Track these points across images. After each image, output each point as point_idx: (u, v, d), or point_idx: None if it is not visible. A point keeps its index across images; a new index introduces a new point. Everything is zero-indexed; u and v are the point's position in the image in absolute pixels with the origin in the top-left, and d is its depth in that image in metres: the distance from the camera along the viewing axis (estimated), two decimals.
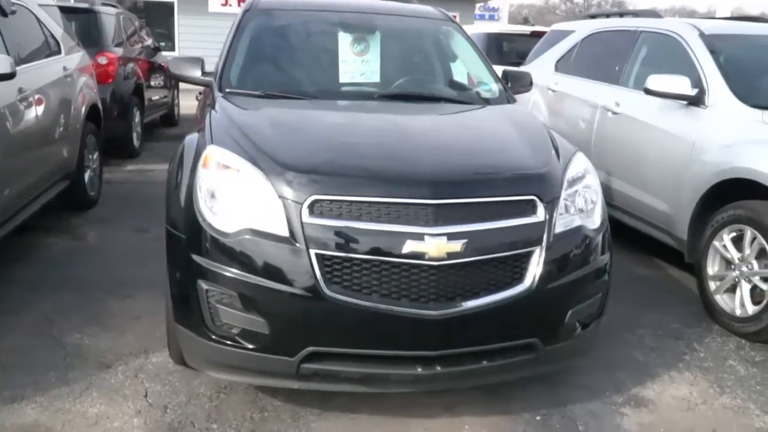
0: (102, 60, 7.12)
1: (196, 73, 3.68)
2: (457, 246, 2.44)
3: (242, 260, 2.49)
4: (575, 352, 2.90)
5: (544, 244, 2.60)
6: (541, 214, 2.63)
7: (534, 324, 2.63)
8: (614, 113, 5.02)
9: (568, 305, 2.68)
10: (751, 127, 3.84)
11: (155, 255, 4.62)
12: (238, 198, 2.55)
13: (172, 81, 10.19)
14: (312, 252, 2.42)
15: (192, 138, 3.04)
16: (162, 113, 9.74)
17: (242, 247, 2.49)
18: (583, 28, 5.98)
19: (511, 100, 3.71)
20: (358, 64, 3.89)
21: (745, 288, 3.69)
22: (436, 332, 2.45)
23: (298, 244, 2.43)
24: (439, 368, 2.53)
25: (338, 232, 2.43)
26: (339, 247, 2.43)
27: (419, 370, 2.52)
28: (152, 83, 8.89)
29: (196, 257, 2.57)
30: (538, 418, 2.88)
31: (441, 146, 2.87)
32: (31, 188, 4.47)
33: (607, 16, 6.03)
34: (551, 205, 2.66)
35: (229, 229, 2.52)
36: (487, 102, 3.65)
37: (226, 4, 16.76)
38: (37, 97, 4.50)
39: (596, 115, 5.24)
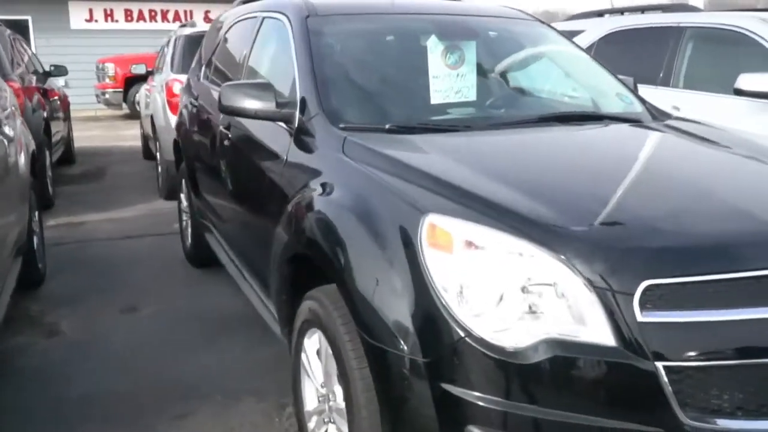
0: None
1: (269, 105, 2.68)
2: None
3: (551, 390, 1.63)
4: None
5: None
6: None
7: None
8: None
9: None
10: None
11: (170, 344, 3.55)
12: (517, 293, 1.68)
13: (66, 112, 8.64)
14: (659, 365, 1.61)
15: (346, 202, 2.09)
16: (62, 150, 8.18)
17: (549, 370, 1.62)
18: (597, 27, 5.49)
19: (660, 115, 3.04)
20: (452, 79, 3.06)
21: None
22: None
23: (634, 356, 1.61)
24: None
25: (691, 330, 1.64)
26: (696, 351, 1.63)
27: None
28: (51, 115, 7.38)
29: (458, 391, 1.67)
30: None
31: (743, 184, 2.14)
32: None
33: (621, 12, 5.58)
34: None
35: (517, 343, 1.64)
36: (652, 117, 2.95)
37: (91, 19, 14.88)
38: None
39: None
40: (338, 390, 2.16)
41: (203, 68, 4.46)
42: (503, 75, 3.24)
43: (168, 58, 6.79)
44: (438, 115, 2.79)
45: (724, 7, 5.11)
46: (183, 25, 7.48)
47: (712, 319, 1.64)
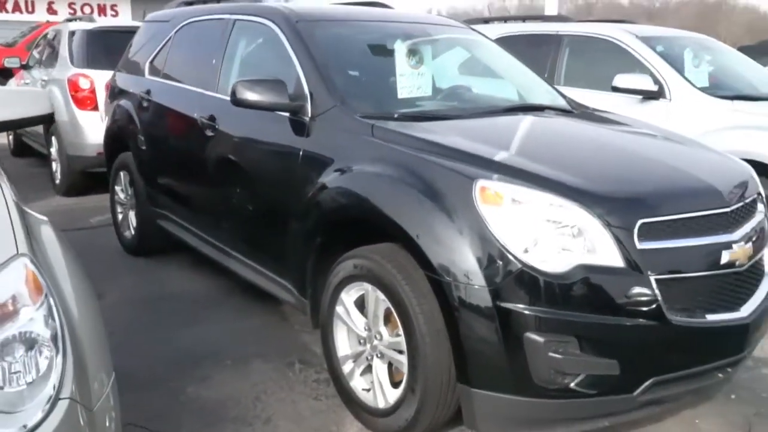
0: None
1: (283, 99, 3.10)
2: (751, 248, 2.56)
3: (581, 300, 2.28)
4: None
5: None
6: (761, 208, 2.85)
7: None
8: None
9: None
10: (732, 116, 4.53)
11: (154, 324, 3.81)
12: (554, 234, 2.30)
13: None
14: (651, 278, 2.31)
15: (395, 175, 2.60)
16: None
17: (580, 286, 2.27)
18: (487, 33, 6.28)
19: (578, 106, 3.82)
20: (414, 77, 3.64)
21: None
22: (744, 335, 2.53)
23: (635, 272, 2.30)
24: (729, 370, 2.61)
25: (669, 253, 2.37)
26: (673, 267, 2.36)
27: (720, 376, 2.57)
28: None
29: (516, 307, 2.26)
30: (733, 396, 3.10)
31: (672, 155, 2.92)
32: None
33: (505, 20, 6.44)
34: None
35: (558, 268, 2.27)
36: (572, 108, 3.71)
37: None
38: None
39: None
40: (384, 330, 2.67)
41: (147, 65, 4.66)
42: (455, 73, 3.88)
43: (64, 53, 6.68)
44: (421, 107, 3.34)
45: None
46: (72, 19, 7.32)
47: (686, 244, 2.39)
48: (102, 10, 16.76)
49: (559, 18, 6.21)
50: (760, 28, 41.50)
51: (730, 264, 2.46)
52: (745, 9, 49.37)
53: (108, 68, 5.86)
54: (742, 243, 2.51)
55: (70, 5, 15.87)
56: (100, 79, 6.22)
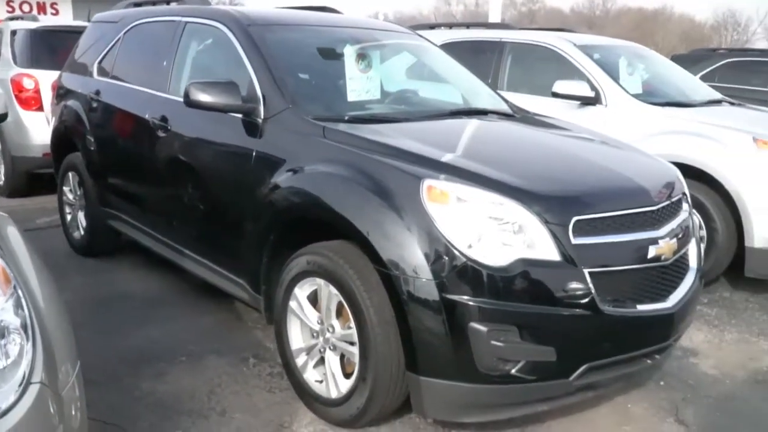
0: None
1: (236, 101, 3.18)
2: (676, 243, 2.78)
3: (521, 292, 2.44)
4: None
5: (696, 231, 3.07)
6: (686, 207, 3.08)
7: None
8: None
9: None
10: (664, 121, 4.81)
11: (108, 323, 3.86)
12: (496, 230, 2.46)
13: None
14: (585, 271, 2.49)
15: (347, 174, 2.71)
16: None
17: (519, 279, 2.43)
18: (433, 38, 6.46)
19: (519, 110, 4.01)
20: (363, 81, 3.77)
21: None
22: (670, 324, 2.74)
23: (570, 266, 2.48)
24: (657, 357, 2.82)
25: (601, 248, 2.55)
26: (605, 261, 2.55)
27: (649, 362, 2.78)
28: None
29: (462, 299, 2.41)
30: (662, 383, 3.34)
31: (605, 158, 3.11)
32: None
33: (450, 27, 6.62)
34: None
35: (500, 262, 2.42)
36: (514, 112, 3.89)
37: None
38: None
39: None
40: (336, 323, 2.78)
41: (96, 66, 4.66)
42: (403, 78, 4.02)
43: (6, 52, 6.57)
44: (370, 110, 3.47)
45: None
46: (14, 18, 7.20)
47: (616, 240, 2.58)
48: (42, 9, 16.37)
49: (502, 25, 6.46)
50: (694, 37, 43.28)
51: (657, 258, 2.67)
52: (681, 18, 51.38)
53: (52, 68, 5.83)
54: (668, 239, 2.72)
55: (8, 3, 15.47)
56: (44, 79, 6.17)
